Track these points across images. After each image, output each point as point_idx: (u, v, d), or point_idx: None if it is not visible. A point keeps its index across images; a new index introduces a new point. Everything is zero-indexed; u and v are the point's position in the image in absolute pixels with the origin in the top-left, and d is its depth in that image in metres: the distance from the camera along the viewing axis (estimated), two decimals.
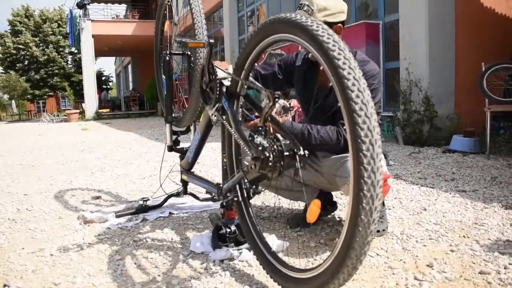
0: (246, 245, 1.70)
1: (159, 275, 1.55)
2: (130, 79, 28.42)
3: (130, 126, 11.67)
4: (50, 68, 24.03)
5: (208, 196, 2.63)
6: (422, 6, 4.92)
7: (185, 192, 2.43)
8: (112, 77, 33.41)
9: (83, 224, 2.25)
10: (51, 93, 25.50)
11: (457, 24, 5.05)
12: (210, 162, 4.27)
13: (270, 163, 1.16)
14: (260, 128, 1.23)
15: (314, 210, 1.12)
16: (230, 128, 1.48)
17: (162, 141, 6.91)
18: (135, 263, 1.68)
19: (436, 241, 1.82)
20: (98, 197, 2.88)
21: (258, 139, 1.20)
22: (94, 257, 1.77)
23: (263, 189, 1.47)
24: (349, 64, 0.94)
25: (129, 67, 27.90)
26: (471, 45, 5.07)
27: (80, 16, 16.77)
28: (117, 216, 2.31)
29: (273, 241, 1.78)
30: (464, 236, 1.87)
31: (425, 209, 2.30)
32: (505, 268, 1.51)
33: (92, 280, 1.54)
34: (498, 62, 4.14)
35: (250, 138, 1.23)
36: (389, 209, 2.32)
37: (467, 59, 5.02)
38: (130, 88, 26.46)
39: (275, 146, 1.16)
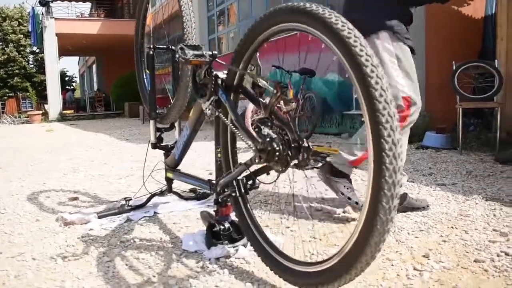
0: (242, 242, 1.67)
1: (154, 276, 1.49)
2: (95, 79, 27.67)
3: (97, 127, 11.33)
4: (10, 68, 23.07)
5: (192, 194, 2.59)
6: None
7: (169, 190, 2.37)
8: (75, 77, 32.46)
9: (63, 226, 2.14)
10: (11, 94, 24.45)
11: (427, 24, 5.18)
12: (189, 162, 4.19)
13: (278, 155, 1.14)
14: (266, 120, 1.20)
15: None
16: (227, 121, 1.44)
17: (134, 141, 6.75)
18: (126, 265, 1.61)
19: (427, 233, 1.84)
20: (75, 198, 2.76)
21: (266, 131, 1.17)
22: (81, 259, 1.68)
23: (262, 183, 1.44)
24: (366, 52, 0.93)
25: (94, 67, 27.15)
26: (440, 44, 5.22)
27: (43, 14, 16.15)
28: (99, 217, 2.21)
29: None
30: (452, 227, 1.91)
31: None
32: (498, 255, 1.55)
33: (82, 283, 1.46)
34: (468, 61, 4.28)
35: (256, 130, 1.20)
36: None
37: (437, 58, 5.16)
38: (95, 88, 25.76)
39: (282, 137, 1.13)
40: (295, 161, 1.16)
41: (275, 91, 1.13)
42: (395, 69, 2.08)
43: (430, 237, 1.78)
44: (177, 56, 1.43)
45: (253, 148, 1.23)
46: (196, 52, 1.44)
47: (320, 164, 1.17)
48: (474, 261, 1.52)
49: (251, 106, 4.71)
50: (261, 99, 1.35)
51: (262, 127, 1.18)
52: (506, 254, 1.55)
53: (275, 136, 1.14)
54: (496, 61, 4.30)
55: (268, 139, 1.15)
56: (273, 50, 5.94)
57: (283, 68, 5.54)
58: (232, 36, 10.85)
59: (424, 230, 1.88)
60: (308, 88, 6.18)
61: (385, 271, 1.46)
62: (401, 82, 2.08)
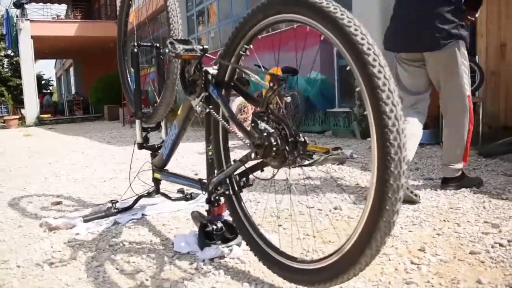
0: (235, 241, 1.63)
1: (147, 279, 1.44)
2: (72, 82, 27.16)
3: (77, 130, 11.08)
4: None
5: (180, 195, 2.53)
6: (375, 6, 5.05)
7: (157, 191, 2.31)
8: (52, 80, 31.85)
9: (48, 231, 2.06)
10: None
11: None
12: (173, 163, 4.12)
13: (275, 150, 1.10)
14: (263, 114, 1.16)
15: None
16: (219, 117, 1.41)
17: (115, 144, 6.63)
18: (117, 269, 1.56)
19: (420, 226, 1.84)
20: (59, 203, 2.67)
21: (263, 125, 1.13)
22: (69, 265, 1.62)
23: (258, 179, 1.40)
24: (374, 50, 0.92)
25: (71, 70, 26.63)
26: None
27: (17, 16, 15.71)
28: (85, 221, 2.14)
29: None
30: (444, 220, 1.91)
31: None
32: (492, 247, 1.55)
33: None
34: None
35: (253, 125, 1.17)
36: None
37: None
38: (73, 92, 25.27)
39: (279, 132, 1.10)
40: (291, 158, 1.13)
41: (271, 84, 1.10)
42: (467, 74, 2.30)
43: (423, 231, 1.78)
44: (166, 51, 1.38)
45: (249, 144, 1.20)
46: (186, 47, 1.40)
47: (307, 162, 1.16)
48: (470, 253, 1.52)
49: (236, 104, 4.67)
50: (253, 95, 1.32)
51: (258, 121, 1.15)
52: (500, 245, 1.56)
53: (273, 130, 1.11)
54: (476, 57, 4.38)
55: (265, 134, 1.12)
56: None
57: (265, 67, 5.52)
58: (213, 36, 10.78)
59: (417, 224, 1.88)
60: (290, 87, 6.17)
61: (383, 266, 1.44)
62: (468, 88, 2.31)
